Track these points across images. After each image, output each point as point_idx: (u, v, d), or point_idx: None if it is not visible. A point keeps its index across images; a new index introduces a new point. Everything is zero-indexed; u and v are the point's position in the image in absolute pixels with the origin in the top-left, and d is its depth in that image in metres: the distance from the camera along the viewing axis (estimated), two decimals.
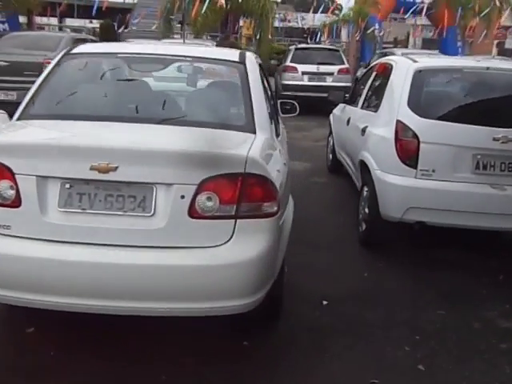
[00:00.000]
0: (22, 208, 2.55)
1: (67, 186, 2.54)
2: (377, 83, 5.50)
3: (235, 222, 2.56)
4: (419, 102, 4.36)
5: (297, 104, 5.24)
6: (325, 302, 3.69)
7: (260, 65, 4.24)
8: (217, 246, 2.56)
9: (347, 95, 6.78)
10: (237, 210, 2.56)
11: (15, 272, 2.57)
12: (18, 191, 2.54)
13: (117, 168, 2.47)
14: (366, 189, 4.75)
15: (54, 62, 3.36)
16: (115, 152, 2.52)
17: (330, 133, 7.50)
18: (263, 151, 2.82)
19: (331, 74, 13.55)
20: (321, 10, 20.91)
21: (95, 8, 17.92)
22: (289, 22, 44.51)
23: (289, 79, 13.79)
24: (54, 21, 26.86)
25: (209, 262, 2.54)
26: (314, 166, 8.06)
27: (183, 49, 3.73)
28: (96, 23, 26.83)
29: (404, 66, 4.72)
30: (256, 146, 2.77)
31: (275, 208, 2.65)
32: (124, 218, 2.54)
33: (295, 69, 13.83)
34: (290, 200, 3.45)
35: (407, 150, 4.22)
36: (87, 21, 29.19)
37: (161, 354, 2.96)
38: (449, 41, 21.50)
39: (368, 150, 4.76)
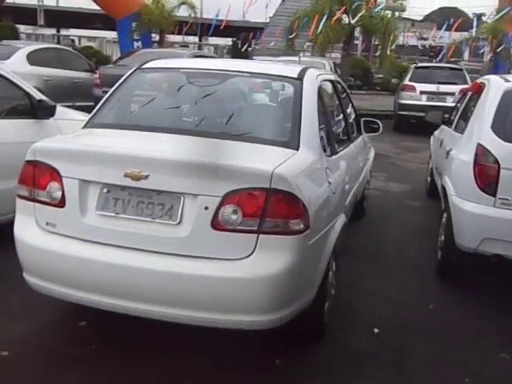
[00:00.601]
0: (66, 208, 2.77)
1: (105, 190, 2.71)
2: (469, 104, 5.16)
3: (257, 236, 2.56)
4: (505, 125, 4.01)
5: (380, 124, 5.11)
6: (376, 330, 3.51)
7: (335, 82, 4.19)
8: (238, 259, 2.57)
9: (447, 116, 6.42)
10: (260, 225, 2.55)
11: (56, 267, 2.80)
12: (63, 193, 2.76)
13: (147, 176, 2.59)
14: (445, 215, 4.47)
15: (125, 76, 3.61)
16: (146, 161, 2.64)
17: (430, 155, 7.15)
18: (298, 168, 2.79)
19: (452, 93, 12.85)
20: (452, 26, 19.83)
21: (212, 27, 18.78)
22: (425, 40, 43.10)
23: (406, 98, 13.35)
24: (192, 39, 28.63)
25: (227, 274, 2.56)
26: (413, 188, 7.73)
27: (244, 65, 3.81)
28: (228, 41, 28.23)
29: (495, 86, 4.38)
30: (290, 163, 2.75)
31: (302, 226, 2.61)
32: (152, 225, 2.66)
33: (413, 88, 13.35)
34: (341, 218, 3.35)
35: (486, 175, 3.90)
36: (218, 38, 30.79)
37: (189, 362, 3.02)
38: None
39: (449, 175, 4.48)
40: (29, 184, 2.89)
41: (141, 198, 2.67)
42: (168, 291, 2.61)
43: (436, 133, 6.83)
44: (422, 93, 13.16)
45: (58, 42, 31.22)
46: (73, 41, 33.37)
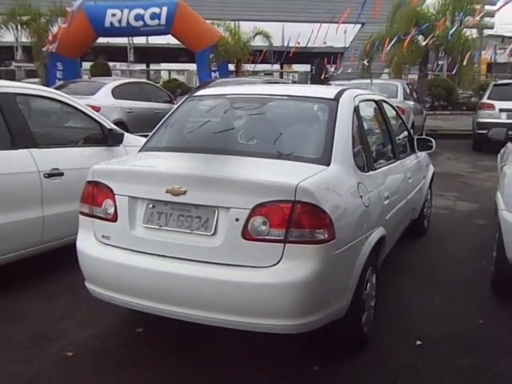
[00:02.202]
0: (118, 222, 3.12)
1: (151, 205, 3.03)
2: None
3: (284, 245, 2.76)
4: None
5: (433, 141, 5.15)
6: (418, 342, 3.56)
7: (376, 101, 4.34)
8: (266, 266, 2.78)
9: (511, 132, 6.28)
10: (286, 235, 2.75)
11: (110, 275, 3.14)
12: (115, 209, 3.12)
13: (186, 192, 2.88)
14: (498, 231, 4.41)
15: (179, 103, 3.97)
16: (183, 178, 2.94)
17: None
18: (325, 181, 2.97)
19: None
20: None
21: (284, 55, 19.11)
22: None
23: (484, 117, 12.97)
24: (260, 67, 29.53)
25: (256, 281, 2.77)
26: (482, 207, 7.54)
27: (286, 89, 4.05)
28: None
29: None
30: (318, 177, 2.94)
31: (326, 235, 2.77)
32: (191, 236, 2.93)
33: (492, 106, 12.97)
34: (377, 231, 3.45)
35: None
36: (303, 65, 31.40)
37: (229, 366, 3.23)
38: None
39: (500, 190, 4.44)
40: (88, 202, 3.27)
41: (181, 211, 2.96)
42: (204, 296, 2.86)
43: (502, 150, 6.69)
44: (501, 110, 12.74)
45: (148, 77, 33.22)
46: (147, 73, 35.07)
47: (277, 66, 32.43)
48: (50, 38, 18.14)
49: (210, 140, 3.52)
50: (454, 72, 16.17)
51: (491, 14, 22.43)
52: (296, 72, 35.52)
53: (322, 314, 2.89)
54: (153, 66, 40.82)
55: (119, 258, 3.08)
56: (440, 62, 25.93)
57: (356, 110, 3.64)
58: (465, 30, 16.80)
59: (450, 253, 5.45)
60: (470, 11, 16.61)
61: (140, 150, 3.72)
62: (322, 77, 20.71)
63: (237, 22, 19.70)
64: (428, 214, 6.03)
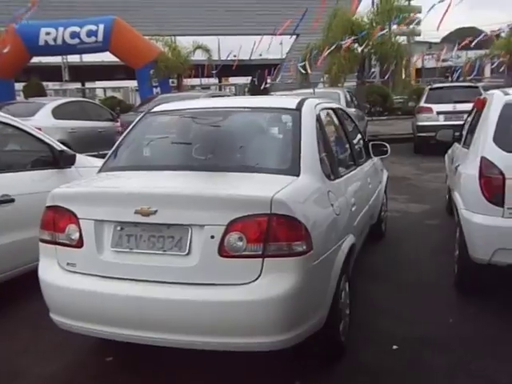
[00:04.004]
0: (84, 248, 2.96)
1: (118, 228, 2.90)
2: (474, 119, 5.25)
3: (263, 260, 2.69)
4: (506, 136, 4.10)
5: (388, 146, 5.23)
6: (395, 347, 3.56)
7: (334, 109, 4.36)
8: (246, 283, 2.70)
9: (457, 133, 6.49)
10: (264, 249, 2.69)
11: (78, 304, 2.97)
12: (80, 234, 2.96)
13: (156, 211, 2.77)
14: (458, 229, 4.52)
15: (135, 121, 3.85)
16: (153, 197, 2.83)
17: (446, 174, 7.21)
18: (298, 192, 2.93)
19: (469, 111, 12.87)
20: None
21: (219, 68, 18.98)
22: (444, 61, 43.17)
23: (423, 120, 13.40)
24: (196, 81, 29.53)
25: (238, 298, 2.68)
26: (433, 207, 7.75)
27: (246, 100, 4.02)
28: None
29: (496, 100, 4.48)
30: (290, 188, 2.90)
31: (304, 247, 2.73)
32: (164, 257, 2.82)
33: (430, 109, 13.42)
34: (349, 239, 3.45)
35: (492, 187, 3.97)
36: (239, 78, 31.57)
37: None
38: None
39: (458, 189, 4.55)
40: (49, 228, 3.10)
41: (152, 232, 2.84)
42: (182, 319, 2.75)
43: (449, 151, 6.90)
44: (439, 113, 13.21)
45: (84, 95, 32.45)
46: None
47: (213, 80, 32.42)
48: None
49: (174, 156, 3.43)
50: (386, 78, 16.63)
51: (418, 22, 23.37)
52: (233, 85, 35.62)
53: (305, 328, 2.84)
54: (88, 85, 39.95)
55: (87, 286, 2.92)
56: (373, 70, 26.73)
57: (318, 118, 3.64)
58: (397, 37, 17.34)
59: (410, 254, 5.54)
60: (401, 20, 17.21)
61: (99, 171, 3.56)
62: (262, 87, 20.88)
63: (173, 38, 19.55)
64: (385, 218, 6.12)
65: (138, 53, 17.02)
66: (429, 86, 15.17)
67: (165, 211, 2.78)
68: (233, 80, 37.02)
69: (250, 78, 30.91)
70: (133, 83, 31.07)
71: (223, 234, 2.70)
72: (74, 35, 16.90)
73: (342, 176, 3.73)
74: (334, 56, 16.63)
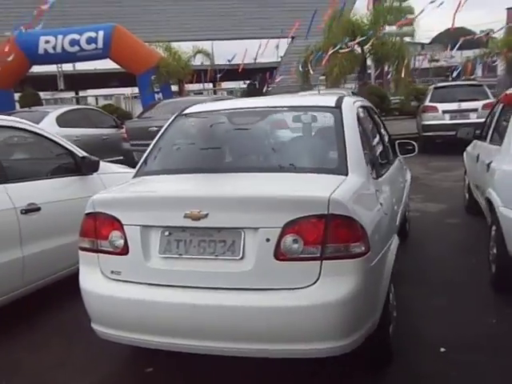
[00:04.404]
0: (130, 255, 2.84)
1: (166, 233, 2.78)
2: (503, 115, 5.17)
3: (321, 263, 2.58)
4: None
5: (415, 144, 5.14)
6: (442, 349, 3.46)
7: (369, 108, 4.26)
8: (304, 287, 2.59)
9: (478, 131, 6.42)
10: (322, 252, 2.58)
11: (125, 313, 2.85)
12: (125, 240, 2.84)
13: (207, 215, 2.66)
14: (493, 228, 4.43)
15: (167, 124, 3.73)
16: (204, 200, 2.72)
17: (465, 171, 7.12)
18: (351, 192, 2.82)
19: (475, 110, 12.83)
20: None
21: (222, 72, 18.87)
22: (436, 61, 43.32)
23: (429, 119, 13.35)
24: (201, 86, 29.50)
25: (296, 303, 2.57)
26: (450, 206, 7.67)
27: (282, 100, 3.92)
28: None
29: None
30: (344, 188, 2.79)
31: (363, 248, 2.63)
32: (216, 262, 2.71)
33: (435, 108, 13.38)
34: (394, 239, 3.36)
35: None
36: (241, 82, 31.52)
37: None
38: None
39: (493, 187, 4.46)
40: (91, 235, 2.98)
41: (202, 237, 2.73)
42: (237, 326, 2.63)
43: (469, 148, 6.82)
44: (444, 112, 13.16)
45: (78, 104, 32.24)
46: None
47: (207, 85, 32.29)
48: None
49: (215, 158, 3.31)
50: (388, 78, 16.61)
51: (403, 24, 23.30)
52: (225, 89, 35.44)
53: (362, 332, 2.74)
54: (80, 93, 39.69)
55: (134, 294, 2.80)
56: (368, 71, 26.63)
57: (358, 116, 3.55)
58: (397, 38, 17.31)
59: (436, 254, 5.44)
60: (396, 20, 17.22)
61: (135, 176, 3.44)
62: (264, 90, 20.82)
63: (169, 44, 19.42)
64: (408, 217, 6.03)
65: (139, 59, 16.86)
66: (433, 85, 15.13)
67: (216, 214, 2.67)
68: (225, 85, 36.78)
69: (242, 82, 30.86)
70: (125, 91, 31.01)
71: (279, 237, 2.60)
72: (73, 43, 16.72)
73: (382, 175, 3.63)
74: (335, 57, 16.58)
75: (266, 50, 22.52)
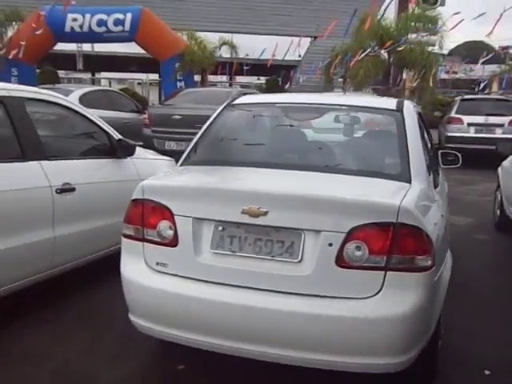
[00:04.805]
0: (179, 247, 2.69)
1: (220, 228, 2.64)
2: None
3: (385, 274, 2.44)
4: None
5: (460, 155, 4.96)
6: (487, 372, 3.30)
7: (420, 114, 4.10)
8: (365, 297, 2.45)
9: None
10: (387, 262, 2.44)
11: (168, 308, 2.71)
12: (175, 231, 2.70)
13: (267, 213, 2.51)
14: None
15: (216, 113, 3.58)
16: (265, 197, 2.56)
17: (498, 186, 6.94)
18: (418, 201, 2.67)
19: (501, 125, 12.64)
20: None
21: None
22: (455, 73, 43.03)
23: (453, 131, 13.13)
24: (224, 78, 29.23)
25: (356, 314, 2.43)
26: (477, 221, 7.50)
27: (339, 98, 3.76)
28: (263, 80, 28.58)
29: None
30: (410, 196, 2.64)
31: (429, 262, 2.48)
32: (271, 263, 2.56)
33: (461, 120, 13.15)
34: (449, 255, 3.21)
35: None
36: (255, 78, 31.18)
37: None
38: None
39: None
40: (137, 223, 2.83)
41: (258, 235, 2.58)
42: (290, 332, 2.49)
43: (505, 163, 6.64)
44: (469, 125, 12.94)
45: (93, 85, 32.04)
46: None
47: (221, 78, 32.03)
48: (8, 43, 17.08)
49: (273, 153, 3.15)
50: (415, 85, 16.44)
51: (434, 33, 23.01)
52: (238, 83, 35.15)
53: (418, 349, 2.59)
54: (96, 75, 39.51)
55: (181, 289, 2.66)
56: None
57: (419, 122, 3.39)
58: (426, 46, 17.05)
59: (467, 270, 5.26)
60: (429, 29, 17.00)
61: (181, 164, 3.28)
62: (286, 87, 20.62)
63: (194, 32, 19.19)
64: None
65: (165, 45, 16.63)
66: (459, 97, 14.91)
67: (276, 213, 2.52)
68: (239, 79, 36.42)
69: (256, 78, 30.56)
70: (141, 76, 30.78)
71: (343, 242, 2.45)
72: (100, 23, 16.50)
73: (438, 185, 3.48)
74: (361, 60, 16.38)
75: (286, 48, 22.37)
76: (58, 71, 33.95)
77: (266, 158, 3.13)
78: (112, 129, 4.69)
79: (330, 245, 2.46)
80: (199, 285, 2.64)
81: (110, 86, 34.19)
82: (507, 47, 36.90)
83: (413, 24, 17.25)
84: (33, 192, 3.68)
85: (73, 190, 3.95)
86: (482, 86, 20.30)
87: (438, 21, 17.61)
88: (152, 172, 5.03)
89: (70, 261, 4.04)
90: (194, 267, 2.66)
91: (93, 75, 37.51)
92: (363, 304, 2.44)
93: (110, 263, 3.50)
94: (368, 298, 2.44)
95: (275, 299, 2.51)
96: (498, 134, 12.63)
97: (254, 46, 21.66)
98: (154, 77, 25.04)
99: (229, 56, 22.61)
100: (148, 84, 29.71)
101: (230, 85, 33.75)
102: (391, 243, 2.43)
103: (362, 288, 2.45)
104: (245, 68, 21.46)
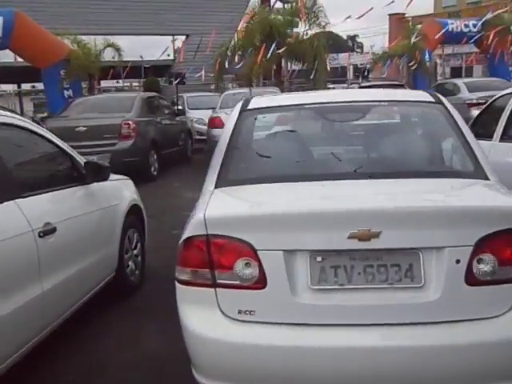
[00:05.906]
0: (268, 289, 2.21)
1: (319, 259, 2.20)
2: None
3: None
4: None
5: None
6: None
7: None
8: (496, 316, 2.16)
9: None
10: None
11: (262, 364, 2.22)
12: (261, 270, 2.21)
13: (379, 234, 2.13)
14: None
15: (233, 122, 3.05)
16: (378, 215, 2.17)
17: None
18: None
19: None
20: None
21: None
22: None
23: None
24: (109, 83, 27.66)
25: (493, 336, 2.13)
26: None
27: (367, 94, 3.43)
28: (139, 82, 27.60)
29: None
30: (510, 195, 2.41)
31: None
32: (389, 292, 2.18)
33: None
34: None
35: None
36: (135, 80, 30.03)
37: None
38: (500, 66, 21.22)
39: None
40: (201, 265, 2.29)
41: (367, 261, 2.19)
42: (428, 370, 2.13)
43: None
44: None
45: None
46: None
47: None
48: None
49: (340, 162, 2.67)
50: (311, 77, 16.64)
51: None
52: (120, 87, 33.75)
53: None
54: None
55: (279, 339, 2.18)
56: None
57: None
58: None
59: None
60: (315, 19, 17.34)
61: (217, 186, 2.70)
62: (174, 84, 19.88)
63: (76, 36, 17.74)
64: None
65: (45, 50, 15.00)
66: (357, 85, 15.36)
67: (390, 233, 2.14)
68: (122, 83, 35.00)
69: (134, 80, 29.43)
70: (7, 87, 28.09)
71: (471, 257, 2.14)
72: None
73: None
74: (252, 55, 16.25)
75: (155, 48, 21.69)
76: None
77: (334, 169, 2.67)
78: (73, 151, 3.95)
79: (458, 261, 2.14)
80: (303, 330, 2.18)
81: None
82: (354, 36, 40.68)
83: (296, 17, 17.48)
84: (14, 242, 2.90)
85: (54, 230, 3.23)
86: (366, 73, 21.38)
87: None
88: (118, 196, 4.40)
89: (60, 314, 3.34)
90: (292, 310, 2.20)
91: None
92: (497, 324, 2.15)
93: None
94: (500, 315, 2.16)
95: (401, 333, 2.14)
96: None
97: (135, 47, 20.66)
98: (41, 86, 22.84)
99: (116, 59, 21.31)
100: (13, 95, 27.35)
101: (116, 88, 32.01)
102: None
103: (493, 305, 2.17)
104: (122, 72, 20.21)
